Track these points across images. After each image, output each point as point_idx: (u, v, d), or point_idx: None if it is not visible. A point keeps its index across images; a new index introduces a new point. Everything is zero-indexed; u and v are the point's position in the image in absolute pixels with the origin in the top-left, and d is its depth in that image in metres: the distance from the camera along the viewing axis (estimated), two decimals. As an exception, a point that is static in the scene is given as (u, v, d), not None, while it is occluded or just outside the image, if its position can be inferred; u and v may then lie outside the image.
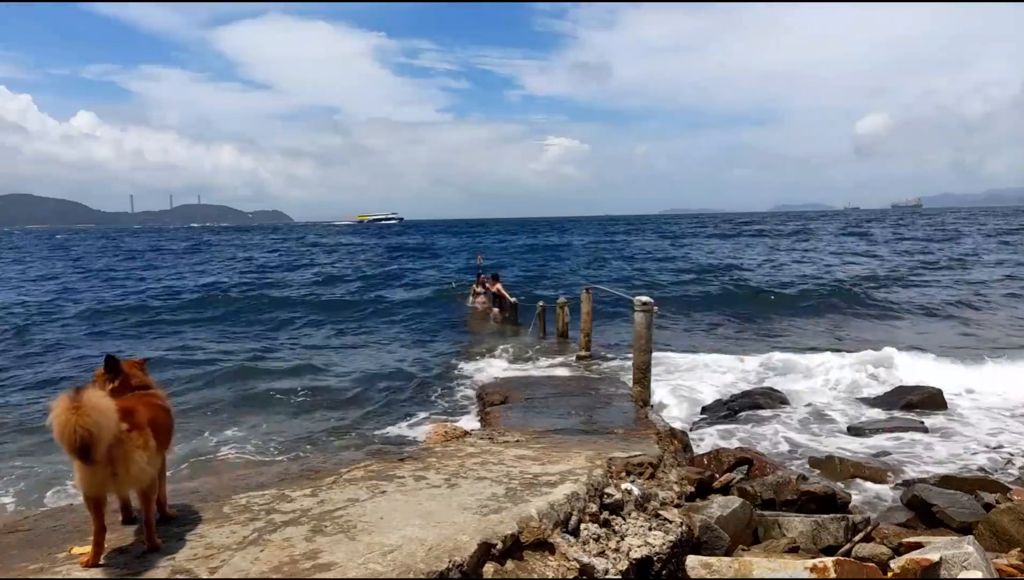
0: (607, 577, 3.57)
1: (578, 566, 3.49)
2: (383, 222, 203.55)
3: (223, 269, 41.19)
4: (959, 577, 3.66)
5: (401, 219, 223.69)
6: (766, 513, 5.68)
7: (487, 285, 19.64)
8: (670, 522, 4.22)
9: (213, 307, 23.29)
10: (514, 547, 3.37)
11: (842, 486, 6.63)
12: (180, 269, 41.48)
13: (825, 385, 12.55)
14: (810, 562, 3.76)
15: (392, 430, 10.28)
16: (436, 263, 44.04)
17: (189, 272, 39.03)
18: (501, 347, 14.66)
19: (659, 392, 11.02)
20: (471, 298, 20.07)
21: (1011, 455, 8.29)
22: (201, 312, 22.34)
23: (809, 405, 11.23)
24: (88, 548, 2.92)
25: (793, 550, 4.99)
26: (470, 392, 11.78)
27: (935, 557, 3.74)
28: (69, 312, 21.83)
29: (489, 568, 3.17)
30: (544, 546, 3.51)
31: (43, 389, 12.48)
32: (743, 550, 4.93)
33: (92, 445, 2.59)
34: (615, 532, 3.98)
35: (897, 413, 10.54)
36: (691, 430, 9.80)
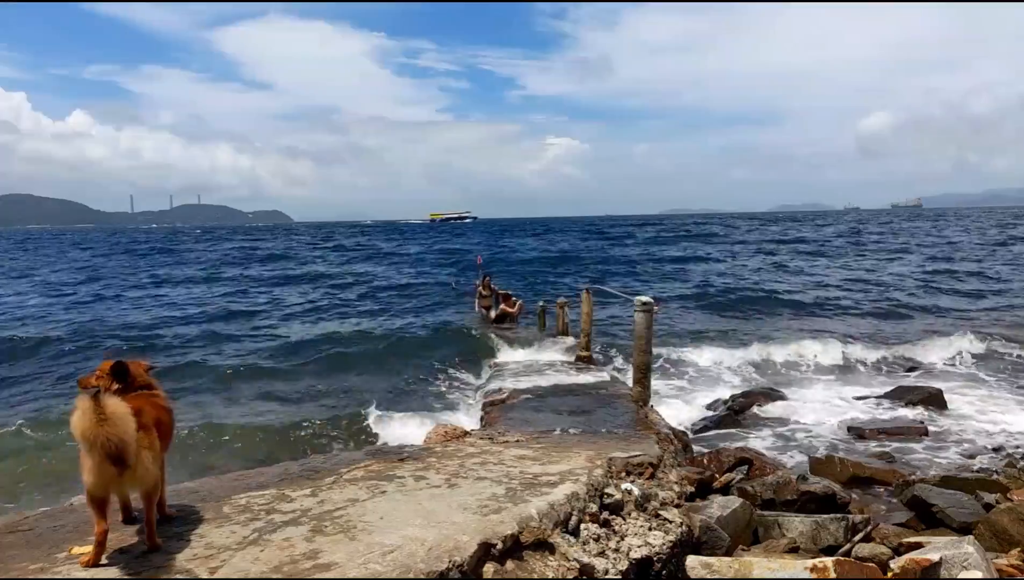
0: (607, 577, 3.57)
1: (578, 566, 3.48)
2: (456, 220, 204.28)
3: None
4: (959, 577, 3.65)
5: (475, 218, 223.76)
6: (766, 513, 5.68)
7: (493, 288, 19.62)
8: (670, 522, 4.22)
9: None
10: (514, 547, 3.36)
11: (841, 486, 6.64)
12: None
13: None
14: (810, 562, 3.76)
15: (392, 430, 10.28)
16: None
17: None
18: (502, 347, 14.64)
19: (660, 392, 11.03)
20: (477, 302, 19.95)
21: (1011, 455, 8.28)
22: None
23: (810, 405, 11.24)
24: (88, 548, 2.91)
25: (793, 550, 4.99)
26: (470, 392, 11.80)
27: (935, 557, 3.74)
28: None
29: (489, 568, 3.17)
30: (544, 546, 3.51)
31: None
32: (743, 550, 4.93)
33: (125, 453, 2.73)
34: (615, 532, 3.98)
35: (898, 413, 10.55)
36: (691, 430, 9.81)
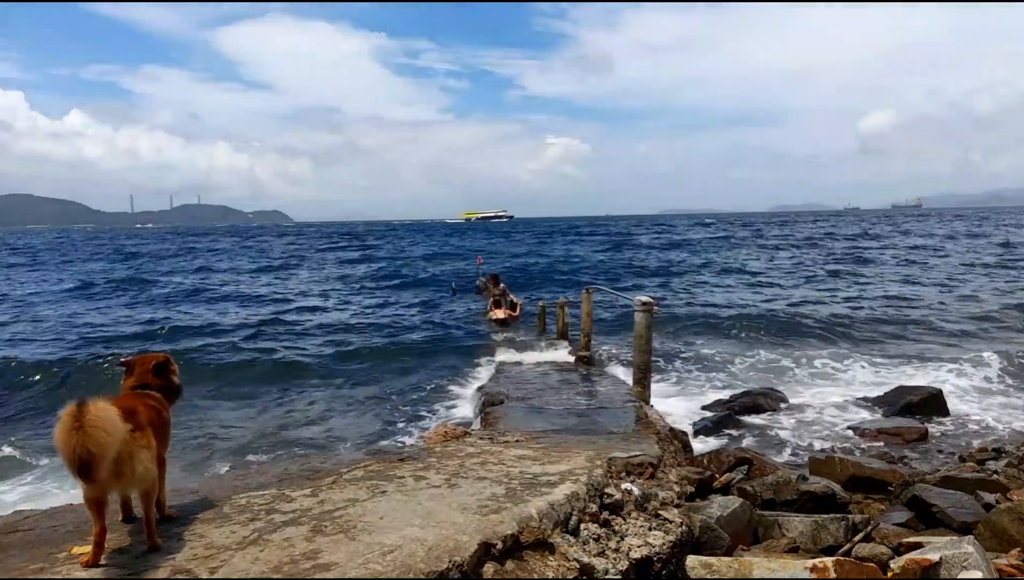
0: (607, 577, 3.57)
1: (578, 566, 3.48)
2: (493, 220, 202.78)
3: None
4: (959, 577, 3.65)
5: (511, 217, 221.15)
6: (766, 513, 5.68)
7: (502, 288, 19.60)
8: (670, 522, 4.22)
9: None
10: (514, 547, 3.36)
11: (841, 486, 6.63)
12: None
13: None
14: (810, 562, 3.75)
15: (392, 430, 10.29)
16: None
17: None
18: (502, 347, 14.65)
19: (661, 392, 11.03)
20: (489, 306, 19.79)
21: (1010, 455, 8.28)
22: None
23: (810, 405, 11.24)
24: (88, 548, 2.91)
25: (793, 550, 5.00)
26: (471, 392, 11.79)
27: (935, 557, 3.74)
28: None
29: (489, 568, 3.17)
30: (544, 546, 3.51)
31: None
32: (743, 550, 4.93)
33: (93, 465, 2.56)
34: (615, 532, 3.97)
35: (898, 413, 10.55)
36: (691, 430, 9.81)
